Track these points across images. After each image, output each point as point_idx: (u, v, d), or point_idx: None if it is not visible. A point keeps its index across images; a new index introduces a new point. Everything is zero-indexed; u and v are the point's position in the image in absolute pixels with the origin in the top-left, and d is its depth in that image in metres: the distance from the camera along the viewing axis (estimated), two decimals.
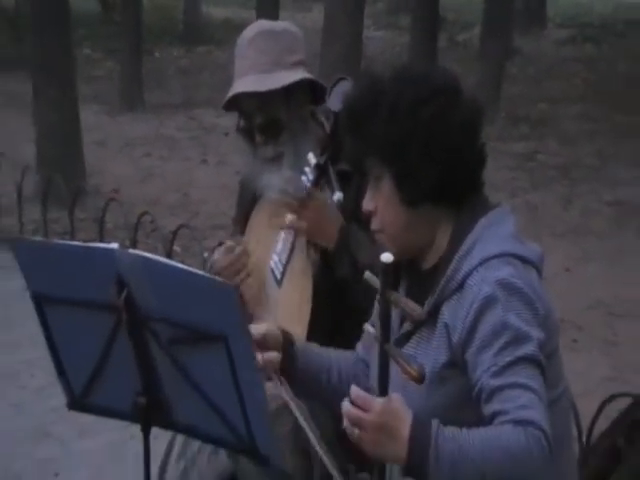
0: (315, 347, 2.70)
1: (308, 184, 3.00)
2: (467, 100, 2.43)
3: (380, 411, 2.11)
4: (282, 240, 3.12)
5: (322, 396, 2.68)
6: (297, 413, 2.43)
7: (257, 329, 2.56)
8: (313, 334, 2.97)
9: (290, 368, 2.60)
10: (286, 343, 2.60)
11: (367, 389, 2.21)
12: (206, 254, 6.12)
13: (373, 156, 2.42)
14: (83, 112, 9.50)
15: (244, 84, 3.08)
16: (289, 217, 3.00)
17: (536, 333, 2.21)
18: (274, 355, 2.55)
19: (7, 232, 7.80)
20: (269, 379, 2.54)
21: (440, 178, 2.36)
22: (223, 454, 2.91)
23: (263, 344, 2.53)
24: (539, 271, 2.37)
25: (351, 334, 2.71)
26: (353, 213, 2.89)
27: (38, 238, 6.40)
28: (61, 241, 2.64)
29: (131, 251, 2.24)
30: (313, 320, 3.00)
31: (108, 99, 13.21)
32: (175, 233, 6.36)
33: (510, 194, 7.89)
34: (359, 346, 2.70)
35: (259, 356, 2.49)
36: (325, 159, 3.00)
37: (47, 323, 2.40)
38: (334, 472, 2.32)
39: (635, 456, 3.56)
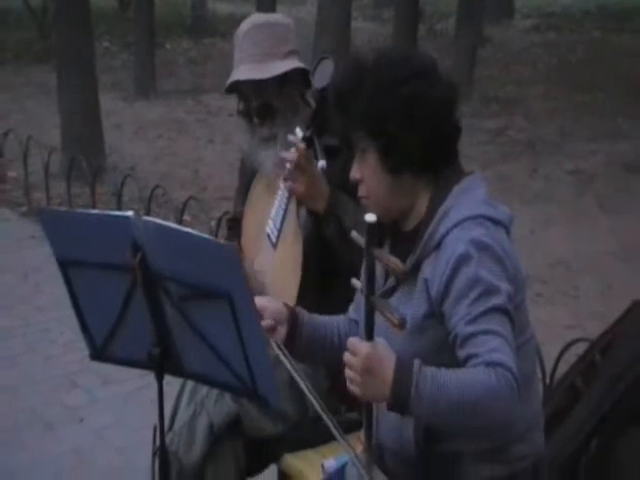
0: (317, 317, 2.68)
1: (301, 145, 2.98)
2: (444, 79, 2.42)
3: (366, 353, 2.12)
4: (276, 206, 3.11)
5: (326, 359, 2.68)
6: (292, 371, 2.44)
7: (257, 302, 2.51)
8: (305, 292, 2.97)
9: (298, 336, 2.59)
10: (291, 317, 2.59)
11: None
12: (213, 222, 6.16)
13: (359, 130, 2.41)
14: (102, 99, 9.48)
15: (241, 73, 3.06)
16: (283, 180, 3.00)
17: (505, 286, 2.21)
18: (280, 333, 2.55)
19: (36, 205, 7.80)
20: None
21: (419, 149, 2.36)
22: (228, 397, 2.92)
23: (266, 327, 2.53)
24: (508, 231, 2.37)
25: (339, 291, 2.71)
26: (340, 182, 2.87)
27: (62, 208, 6.42)
28: (82, 210, 2.61)
29: (144, 218, 2.23)
30: (304, 278, 2.99)
31: (124, 87, 13.16)
32: (185, 204, 6.37)
33: (483, 165, 7.85)
34: (351, 308, 2.71)
35: (263, 319, 2.51)
36: (311, 132, 2.99)
37: (71, 284, 2.40)
38: (323, 414, 2.33)
39: (591, 394, 3.58)
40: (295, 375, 2.42)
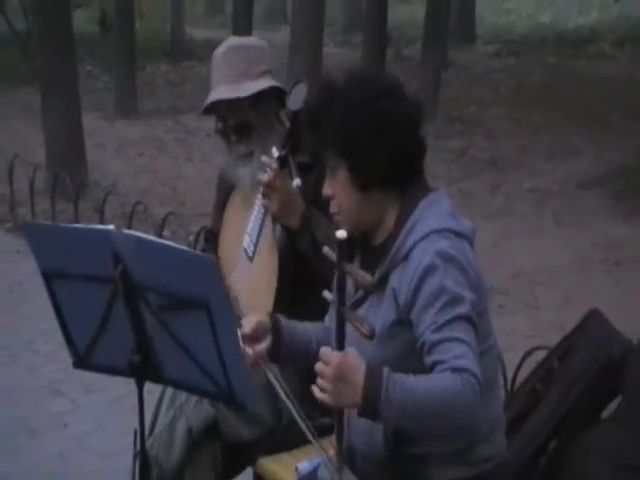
0: (298, 324, 2.67)
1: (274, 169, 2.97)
2: (410, 99, 2.43)
3: (337, 363, 2.13)
4: (252, 222, 3.10)
5: (305, 363, 2.65)
6: (272, 379, 2.43)
7: (249, 323, 2.55)
8: (279, 302, 2.97)
9: (278, 346, 2.57)
10: (274, 325, 2.58)
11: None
12: (191, 237, 6.14)
13: (330, 149, 2.41)
14: (85, 118, 9.44)
15: (218, 93, 3.07)
16: (259, 197, 2.99)
17: (469, 295, 2.22)
18: (263, 346, 2.54)
19: (21, 221, 7.75)
20: (257, 365, 2.54)
21: (387, 167, 2.37)
22: (206, 403, 2.90)
23: (255, 337, 2.53)
24: (471, 243, 2.37)
25: (312, 302, 2.70)
26: (313, 198, 2.88)
27: (46, 222, 6.37)
28: (65, 224, 2.61)
29: (125, 231, 2.23)
30: (279, 289, 2.99)
31: (106, 107, 13.12)
32: (164, 220, 6.34)
33: (447, 182, 7.85)
34: (327, 318, 2.70)
35: (249, 350, 2.50)
36: (286, 152, 2.98)
37: (55, 295, 2.39)
38: (298, 418, 2.33)
39: (550, 398, 3.60)
40: (275, 383, 2.41)
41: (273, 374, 2.45)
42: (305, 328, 2.67)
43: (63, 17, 9.03)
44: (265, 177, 2.91)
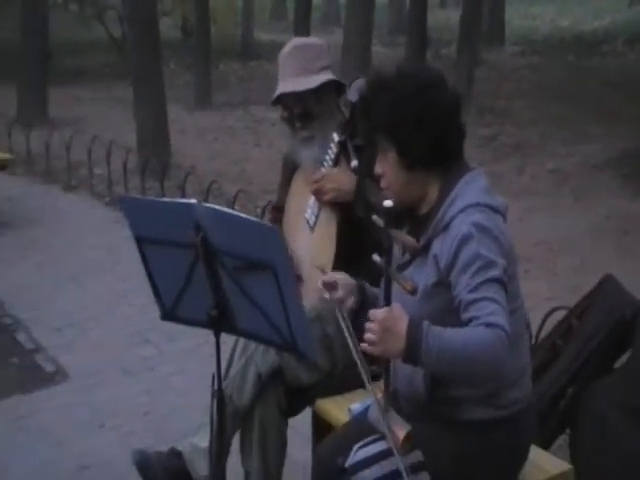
0: (377, 291, 2.61)
1: (329, 163, 3.07)
2: (450, 90, 2.40)
3: (384, 316, 2.12)
4: (312, 200, 3.12)
5: None
6: (343, 325, 2.40)
7: (332, 276, 2.53)
8: (336, 265, 2.96)
9: (362, 306, 2.52)
10: (360, 289, 2.54)
11: None
12: (258, 210, 6.15)
13: (381, 133, 2.38)
14: (169, 110, 9.50)
15: (285, 86, 3.07)
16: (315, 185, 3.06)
17: (500, 261, 2.19)
18: (350, 300, 2.49)
19: (117, 197, 7.83)
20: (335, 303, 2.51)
21: (430, 149, 2.34)
22: (272, 352, 2.91)
23: (333, 286, 2.49)
24: (504, 217, 2.35)
25: (365, 265, 2.69)
26: (367, 174, 2.86)
27: (139, 196, 6.44)
28: (154, 197, 2.61)
29: (205, 204, 2.24)
30: (337, 253, 3.00)
31: (186, 100, 13.20)
32: (236, 196, 6.37)
33: (478, 164, 7.70)
34: None
35: (327, 295, 2.47)
36: (345, 137, 3.00)
37: (146, 258, 2.40)
38: (361, 366, 2.32)
39: (569, 351, 3.58)
40: (348, 337, 2.39)
41: (341, 315, 2.43)
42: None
43: (151, 25, 9.14)
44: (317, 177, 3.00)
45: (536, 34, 21.24)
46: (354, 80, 2.94)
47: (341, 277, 2.53)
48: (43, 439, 4.04)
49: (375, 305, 2.52)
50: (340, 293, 2.49)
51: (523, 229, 6.42)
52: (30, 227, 7.42)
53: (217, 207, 2.22)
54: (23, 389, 4.53)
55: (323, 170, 3.06)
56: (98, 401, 4.37)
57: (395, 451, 2.27)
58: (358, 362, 2.32)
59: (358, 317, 2.51)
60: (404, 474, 2.26)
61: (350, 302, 2.50)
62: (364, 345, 2.16)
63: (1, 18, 18.12)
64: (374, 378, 2.50)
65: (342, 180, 3.02)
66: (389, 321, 2.12)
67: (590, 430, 3.39)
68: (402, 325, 2.11)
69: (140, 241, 2.38)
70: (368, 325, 2.15)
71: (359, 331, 2.25)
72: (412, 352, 2.11)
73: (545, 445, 3.21)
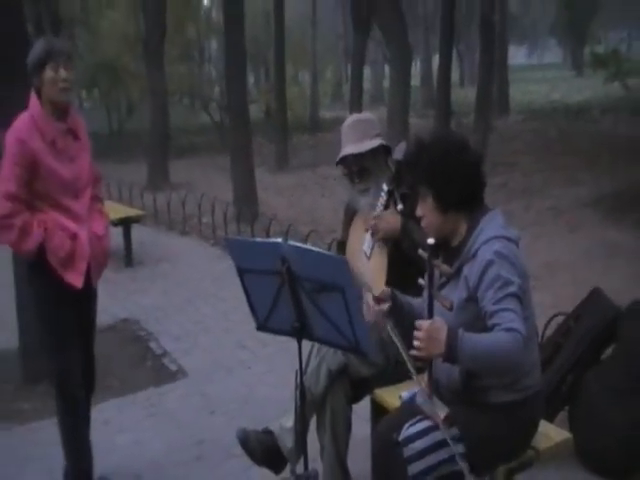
0: (407, 297, 2.60)
1: (381, 207, 3.00)
2: (472, 150, 2.38)
3: (427, 327, 2.10)
4: (368, 236, 3.09)
5: (409, 321, 2.57)
6: (392, 333, 2.38)
7: (377, 291, 2.53)
8: (388, 285, 2.91)
9: (396, 310, 2.52)
10: (392, 294, 2.53)
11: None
12: (325, 246, 6.14)
13: (422, 184, 2.37)
14: (256, 173, 9.58)
15: (348, 149, 3.05)
16: (371, 222, 3.00)
17: (517, 280, 2.17)
18: (385, 305, 2.48)
19: (220, 239, 7.92)
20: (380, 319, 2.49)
21: (459, 195, 2.32)
22: (340, 353, 2.88)
23: (380, 300, 2.48)
24: (517, 245, 2.31)
25: (411, 284, 2.66)
26: (410, 215, 2.82)
27: (238, 237, 6.49)
28: (248, 238, 2.62)
29: (289, 242, 2.25)
30: (389, 278, 2.96)
31: (269, 165, 13.32)
32: (308, 235, 6.39)
33: (493, 206, 7.66)
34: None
35: (376, 306, 2.46)
36: (392, 187, 2.97)
37: (244, 283, 2.42)
38: (408, 360, 2.29)
39: (568, 347, 3.55)
40: (394, 336, 2.36)
41: (390, 326, 2.40)
42: (411, 300, 2.62)
43: (243, 111, 9.22)
44: (371, 219, 2.96)
45: (534, 105, 21.06)
46: (397, 144, 2.94)
47: (383, 289, 2.53)
48: (169, 421, 4.06)
49: (410, 308, 2.53)
50: (385, 306, 2.47)
51: (531, 254, 6.28)
52: (157, 264, 7.53)
53: (298, 244, 2.23)
54: (154, 384, 4.57)
55: (377, 213, 3.02)
56: (209, 393, 4.38)
57: (441, 427, 2.26)
58: (406, 359, 2.29)
59: (390, 316, 2.49)
60: (450, 442, 2.24)
61: (386, 306, 2.49)
62: (413, 349, 2.14)
63: (136, 114, 18.71)
64: (419, 371, 2.46)
65: (391, 221, 2.98)
66: (432, 331, 2.10)
67: (584, 407, 3.37)
68: (442, 333, 2.10)
69: (240, 271, 2.39)
70: (416, 334, 2.13)
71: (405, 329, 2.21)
72: (450, 354, 2.10)
73: (550, 419, 3.18)
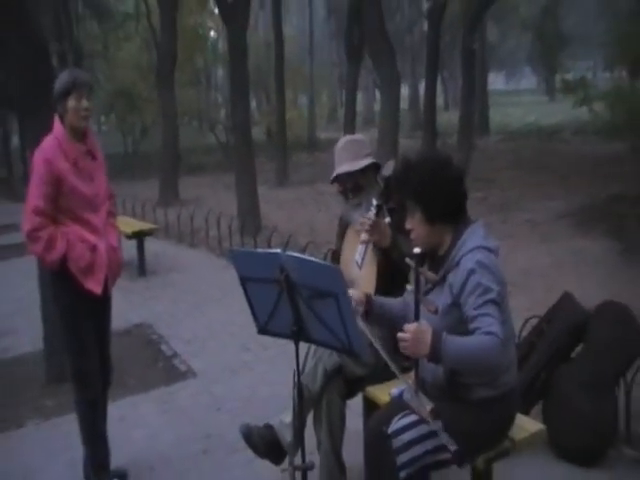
0: (384, 299, 2.63)
1: (374, 216, 2.96)
2: (456, 167, 2.39)
3: (414, 330, 2.11)
4: (360, 247, 3.08)
5: (391, 324, 2.60)
6: (369, 336, 2.39)
7: (358, 294, 2.55)
8: (378, 290, 2.92)
9: (371, 311, 2.55)
10: (367, 298, 2.56)
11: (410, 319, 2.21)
12: (321, 256, 6.14)
13: (410, 200, 2.38)
14: (259, 188, 9.57)
15: (341, 168, 3.06)
16: (363, 235, 2.98)
17: (495, 287, 2.18)
18: (360, 309, 2.51)
19: (225, 250, 7.91)
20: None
21: (445, 211, 2.34)
22: (335, 354, 2.89)
23: (361, 301, 2.52)
24: (497, 254, 2.32)
25: (397, 289, 2.66)
26: (398, 228, 2.83)
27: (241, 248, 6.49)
28: (251, 249, 2.62)
29: (287, 252, 2.24)
30: (378, 285, 2.96)
31: (271, 181, 13.33)
32: (306, 246, 6.39)
33: (475, 218, 7.65)
34: (404, 297, 2.63)
35: (354, 301, 2.46)
36: (381, 202, 2.96)
37: (247, 290, 2.41)
38: (389, 361, 2.29)
39: (541, 346, 3.55)
40: (372, 339, 2.37)
41: (370, 331, 2.40)
42: (389, 301, 2.64)
43: (246, 132, 9.19)
44: (366, 222, 2.90)
45: (512, 127, 21.14)
46: (386, 162, 2.95)
47: (354, 292, 2.54)
48: (180, 417, 4.06)
49: (388, 308, 2.56)
50: (360, 309, 2.51)
51: (509, 262, 6.31)
52: (168, 273, 7.52)
53: (295, 254, 2.22)
54: (165, 383, 4.56)
55: (373, 218, 2.94)
56: (216, 392, 4.37)
57: (428, 419, 2.27)
58: (388, 362, 2.30)
59: (366, 318, 2.51)
60: (437, 431, 2.26)
61: (360, 309, 2.52)
62: (401, 349, 2.15)
63: (149, 136, 18.74)
64: (405, 371, 2.47)
65: (384, 229, 2.95)
66: (418, 333, 2.11)
67: (556, 400, 3.37)
68: (427, 336, 2.11)
69: (243, 279, 2.39)
70: (403, 336, 2.13)
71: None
72: (434, 354, 2.10)
73: (526, 412, 3.18)
